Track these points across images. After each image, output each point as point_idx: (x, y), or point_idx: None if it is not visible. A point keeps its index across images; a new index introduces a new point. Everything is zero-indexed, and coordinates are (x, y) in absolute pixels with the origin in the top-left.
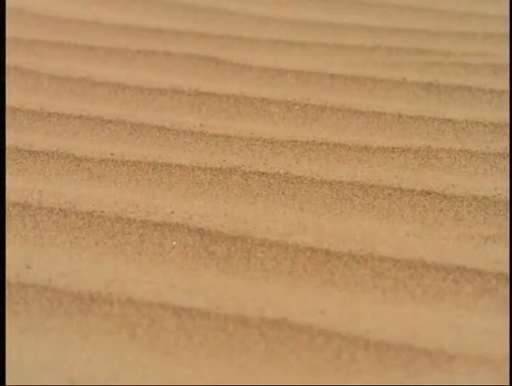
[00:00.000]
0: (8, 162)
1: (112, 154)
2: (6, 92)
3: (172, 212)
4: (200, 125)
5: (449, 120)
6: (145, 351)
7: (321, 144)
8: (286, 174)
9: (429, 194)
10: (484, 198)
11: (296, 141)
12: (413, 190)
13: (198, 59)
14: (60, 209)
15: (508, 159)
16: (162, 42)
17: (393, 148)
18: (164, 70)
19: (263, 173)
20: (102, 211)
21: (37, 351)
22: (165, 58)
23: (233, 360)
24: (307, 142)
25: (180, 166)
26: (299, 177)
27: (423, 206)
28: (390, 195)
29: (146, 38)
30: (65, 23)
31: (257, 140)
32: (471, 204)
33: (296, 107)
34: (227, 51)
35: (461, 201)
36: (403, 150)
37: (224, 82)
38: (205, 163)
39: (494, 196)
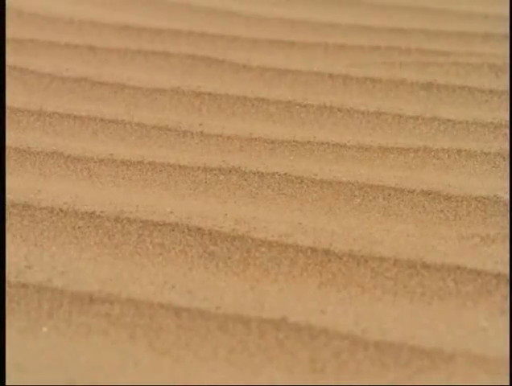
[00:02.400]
0: (8, 162)
1: (111, 154)
2: (5, 92)
3: (171, 212)
4: (200, 124)
5: (449, 120)
6: (145, 351)
7: (321, 144)
8: (286, 174)
9: (429, 194)
10: (484, 198)
11: (296, 141)
12: (413, 191)
13: (198, 59)
14: (60, 209)
15: (508, 159)
16: (161, 42)
17: (393, 148)
18: (164, 70)
19: (263, 173)
20: (102, 211)
21: (37, 351)
22: (165, 58)
23: (233, 360)
24: (307, 142)
25: (180, 166)
26: (298, 177)
27: (423, 206)
28: (389, 195)
29: (146, 38)
30: (65, 23)
31: (256, 140)
32: (470, 204)
33: (296, 107)
34: (227, 51)
35: (461, 201)
36: (403, 150)
37: (224, 82)
38: (205, 163)
39: (494, 196)
